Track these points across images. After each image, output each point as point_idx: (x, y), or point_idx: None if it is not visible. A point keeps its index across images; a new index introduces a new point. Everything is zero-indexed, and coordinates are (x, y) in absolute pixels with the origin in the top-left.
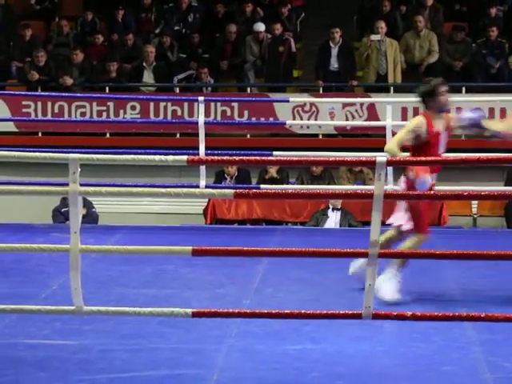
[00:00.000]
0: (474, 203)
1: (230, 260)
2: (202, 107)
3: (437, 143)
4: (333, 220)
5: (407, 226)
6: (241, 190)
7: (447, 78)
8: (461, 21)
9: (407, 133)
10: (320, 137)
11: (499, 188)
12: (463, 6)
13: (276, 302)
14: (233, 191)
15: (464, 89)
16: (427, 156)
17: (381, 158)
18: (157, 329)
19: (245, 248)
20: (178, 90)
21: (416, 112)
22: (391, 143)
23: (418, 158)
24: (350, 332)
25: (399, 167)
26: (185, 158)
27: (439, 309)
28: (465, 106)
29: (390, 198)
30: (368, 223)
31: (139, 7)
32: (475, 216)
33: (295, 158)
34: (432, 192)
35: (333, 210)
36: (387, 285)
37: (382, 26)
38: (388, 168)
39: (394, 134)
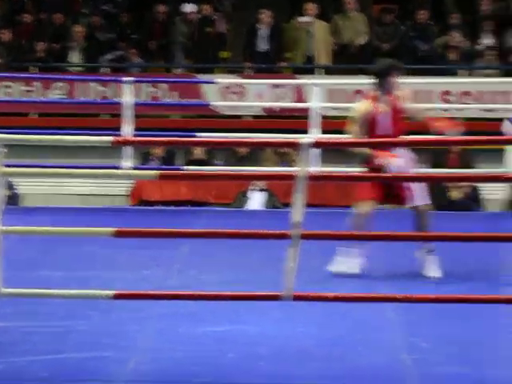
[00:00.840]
0: None
1: (154, 241)
2: (128, 88)
3: (378, 123)
4: (257, 201)
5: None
6: (165, 172)
7: (375, 60)
8: (390, 3)
9: (358, 122)
10: (247, 118)
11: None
12: None
13: (199, 283)
14: (158, 172)
15: None
16: (369, 136)
17: (305, 139)
18: (79, 311)
19: (168, 229)
20: (106, 71)
21: (343, 94)
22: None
23: (346, 140)
24: (272, 313)
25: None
26: (110, 138)
27: (360, 290)
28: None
29: (314, 180)
30: (291, 204)
31: None
32: None
33: (219, 140)
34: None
35: (258, 191)
36: (349, 260)
37: (312, 8)
38: (314, 150)
39: (322, 116)
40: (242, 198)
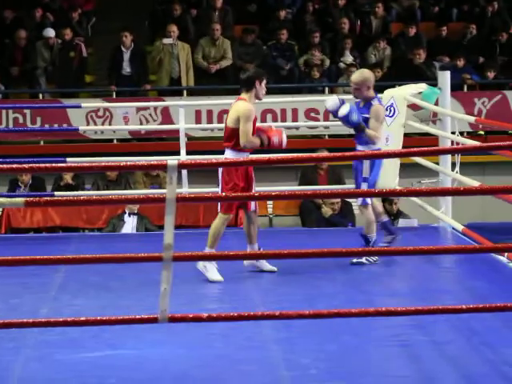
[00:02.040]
0: (270, 203)
1: (27, 269)
2: None
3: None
4: (130, 225)
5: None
6: (32, 199)
7: (239, 81)
8: (251, 23)
9: (250, 123)
10: (115, 142)
11: (292, 188)
12: (253, 7)
13: (74, 309)
14: (24, 199)
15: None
16: None
17: (172, 161)
18: None
19: (39, 257)
20: None
21: (210, 114)
22: (246, 139)
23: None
24: (150, 336)
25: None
26: None
27: (236, 309)
28: (258, 108)
29: (183, 201)
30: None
31: None
32: (271, 216)
33: (86, 164)
34: (227, 194)
35: (129, 214)
36: (210, 267)
37: (174, 29)
38: (182, 171)
39: (187, 136)
40: (116, 222)
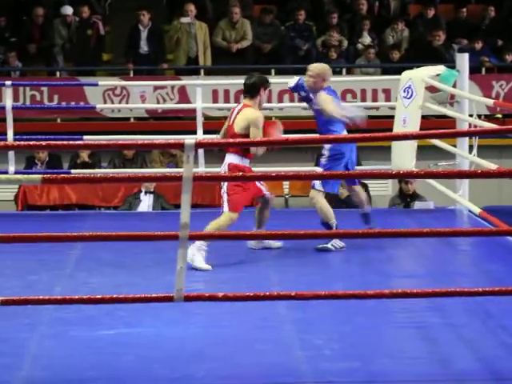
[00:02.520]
0: (286, 184)
1: (43, 246)
2: (9, 91)
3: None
4: (146, 203)
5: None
6: (48, 175)
7: (257, 60)
8: (270, 3)
9: (260, 130)
10: (131, 120)
11: (309, 168)
12: None
13: (89, 287)
14: (40, 176)
15: (273, 71)
16: None
17: (189, 140)
18: None
19: (55, 234)
20: None
21: (227, 94)
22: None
23: (228, 140)
24: (166, 315)
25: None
26: None
27: (251, 288)
28: (275, 88)
29: (200, 180)
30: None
31: None
32: (287, 196)
33: (103, 142)
34: (242, 173)
35: (145, 193)
36: (198, 256)
37: (192, 8)
38: (199, 151)
39: (204, 115)
40: (132, 200)
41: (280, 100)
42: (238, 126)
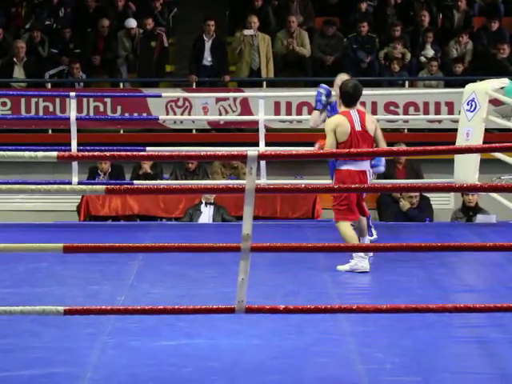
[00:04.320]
0: None
1: (105, 256)
2: (73, 103)
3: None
4: (206, 215)
5: None
6: (112, 186)
7: (319, 73)
8: (332, 16)
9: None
10: (194, 132)
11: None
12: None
13: (151, 297)
14: (104, 187)
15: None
16: None
17: (252, 152)
18: (29, 327)
19: (117, 244)
20: (49, 86)
21: (289, 106)
22: None
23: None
24: (225, 326)
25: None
26: (55, 154)
27: (312, 301)
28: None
29: (262, 192)
30: (242, 217)
31: (9, 2)
32: None
33: (166, 153)
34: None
35: (206, 204)
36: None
37: (255, 20)
38: (261, 162)
39: (266, 127)
40: (192, 211)
41: None
42: (371, 130)
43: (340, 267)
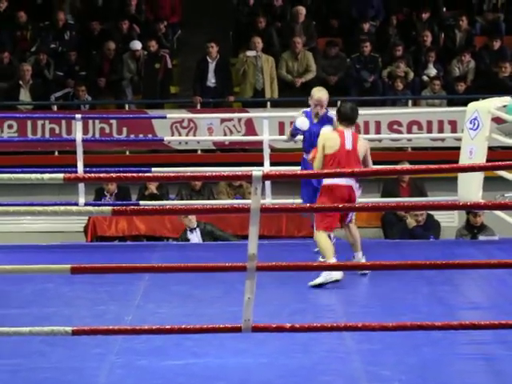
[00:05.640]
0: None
1: (111, 277)
2: (79, 124)
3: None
4: (195, 241)
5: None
6: (119, 207)
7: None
8: (334, 36)
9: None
10: (199, 152)
11: (375, 200)
12: (336, 20)
13: (157, 317)
14: (111, 208)
15: (339, 103)
16: None
17: (257, 172)
18: (37, 348)
19: (124, 264)
20: (55, 108)
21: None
22: None
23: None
24: (232, 345)
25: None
26: (61, 175)
27: (318, 319)
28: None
29: (267, 212)
30: (247, 237)
31: (14, 25)
32: None
33: (172, 174)
34: (308, 205)
35: (191, 230)
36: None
37: (258, 41)
38: (266, 182)
39: (270, 147)
40: (184, 241)
41: None
42: (361, 152)
43: (312, 283)
